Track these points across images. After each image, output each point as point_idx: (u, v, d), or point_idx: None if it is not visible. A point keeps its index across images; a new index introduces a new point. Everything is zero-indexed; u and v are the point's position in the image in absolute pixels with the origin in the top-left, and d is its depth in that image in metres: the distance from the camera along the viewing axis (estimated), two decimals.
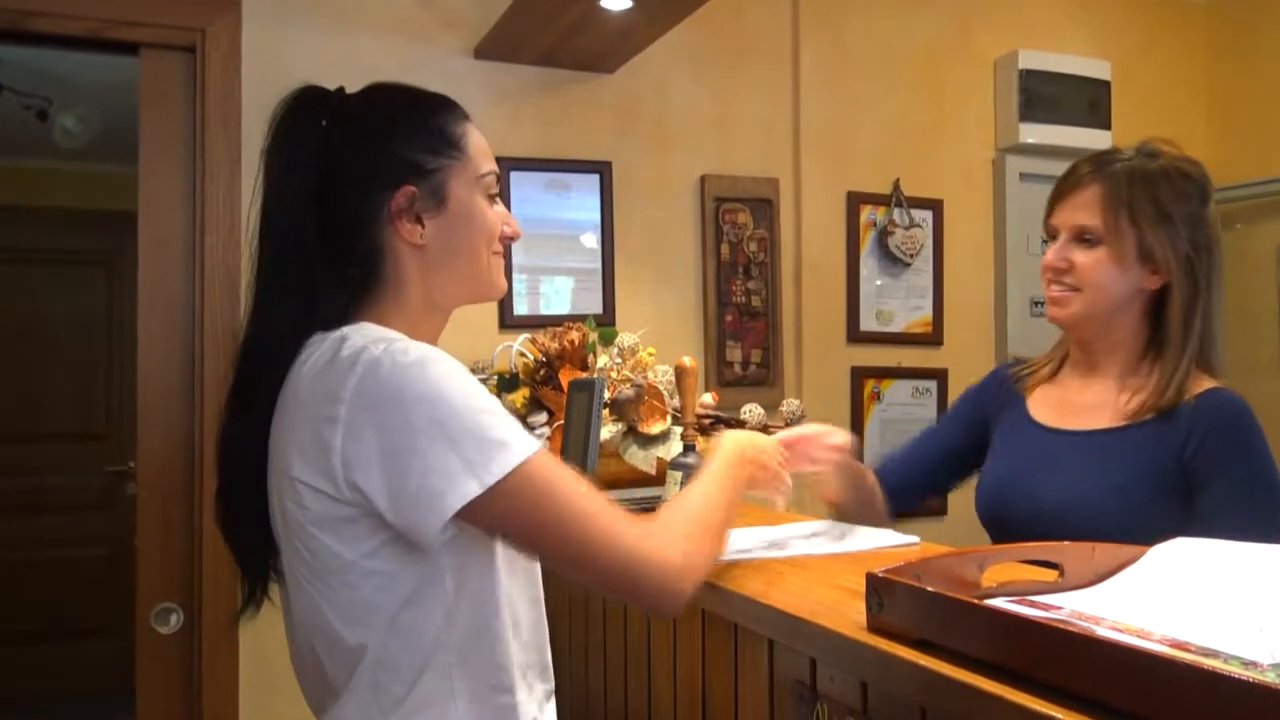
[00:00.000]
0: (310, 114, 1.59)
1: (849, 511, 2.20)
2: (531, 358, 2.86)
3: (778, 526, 2.17)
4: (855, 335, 3.90)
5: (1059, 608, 1.22)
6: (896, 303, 3.97)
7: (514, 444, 1.38)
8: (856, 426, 3.87)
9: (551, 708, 1.65)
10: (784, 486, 1.86)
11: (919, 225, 3.97)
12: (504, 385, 2.83)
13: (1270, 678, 0.90)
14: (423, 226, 1.57)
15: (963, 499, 2.39)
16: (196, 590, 3.02)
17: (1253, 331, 4.29)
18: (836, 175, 3.87)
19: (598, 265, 3.54)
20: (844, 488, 2.18)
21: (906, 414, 3.95)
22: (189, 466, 3.04)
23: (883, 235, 3.92)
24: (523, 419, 2.76)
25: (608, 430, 2.66)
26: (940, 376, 3.99)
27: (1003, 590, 1.32)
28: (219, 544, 2.90)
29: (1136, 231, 2.00)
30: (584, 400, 2.57)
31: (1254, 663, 0.98)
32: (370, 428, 1.37)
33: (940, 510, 3.72)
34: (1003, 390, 2.30)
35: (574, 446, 2.59)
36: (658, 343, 2.94)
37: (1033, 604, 1.24)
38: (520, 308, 3.42)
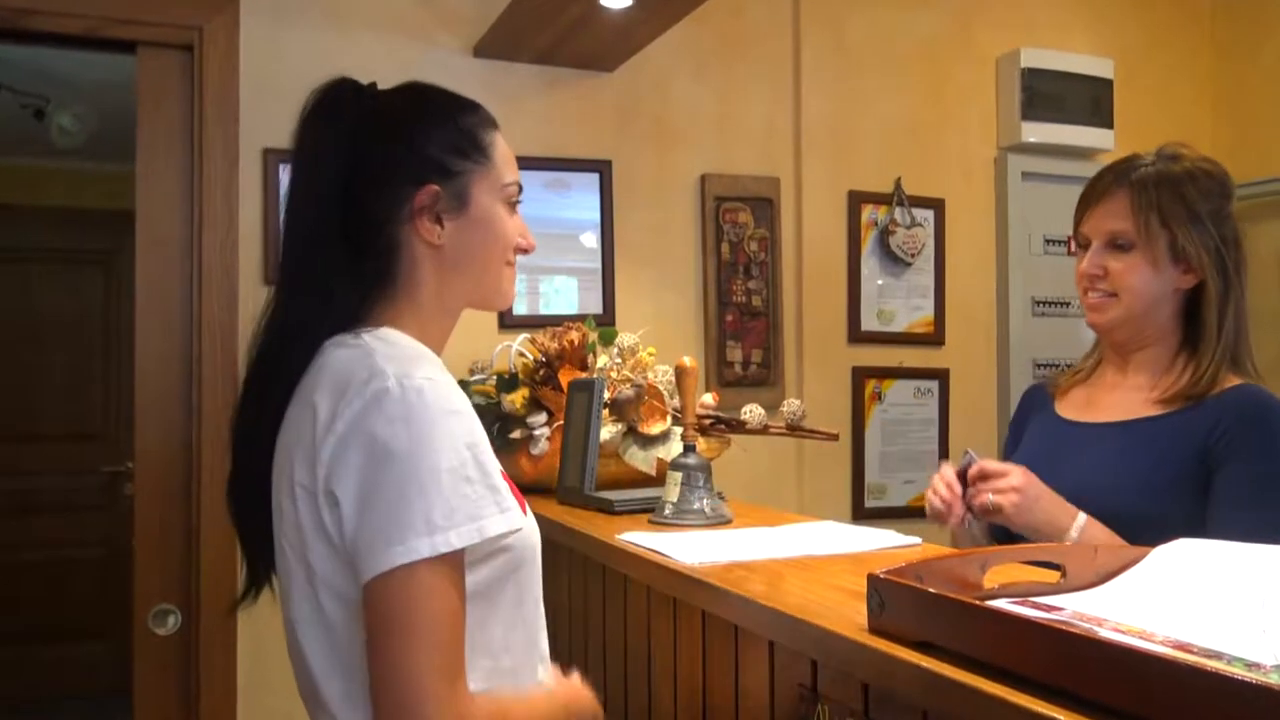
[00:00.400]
0: (341, 106, 1.60)
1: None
2: (531, 358, 2.86)
3: (778, 527, 2.16)
4: (856, 335, 3.89)
5: (1061, 609, 1.22)
6: (898, 302, 3.95)
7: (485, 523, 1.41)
8: (857, 427, 3.86)
9: None
10: None
11: (920, 224, 3.96)
12: (503, 385, 2.83)
13: (1273, 679, 0.89)
14: (441, 227, 1.59)
15: None
16: (194, 591, 3.02)
17: (1256, 332, 4.25)
18: (837, 174, 3.86)
19: (597, 265, 3.53)
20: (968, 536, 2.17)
21: (908, 414, 3.94)
22: (186, 467, 3.04)
23: (884, 234, 3.91)
24: (522, 419, 2.75)
25: (607, 430, 2.66)
26: (942, 377, 3.98)
27: (1004, 591, 1.31)
28: (217, 545, 2.98)
29: (1168, 232, 2.03)
30: (584, 400, 2.57)
31: (1257, 664, 0.97)
32: (359, 454, 1.39)
33: None
34: (1036, 398, 2.35)
35: (574, 447, 2.59)
36: (658, 343, 2.94)
37: (1035, 605, 1.24)
38: (520, 307, 3.42)
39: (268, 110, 3.11)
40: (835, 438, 2.63)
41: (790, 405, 2.63)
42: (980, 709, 1.06)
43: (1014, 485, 1.96)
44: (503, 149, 1.66)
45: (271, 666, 2.94)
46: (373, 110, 1.61)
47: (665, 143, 3.65)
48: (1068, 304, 4.14)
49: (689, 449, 2.30)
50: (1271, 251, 4.28)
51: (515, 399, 2.77)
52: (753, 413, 2.64)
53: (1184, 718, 0.89)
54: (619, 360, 2.82)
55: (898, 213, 3.93)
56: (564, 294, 3.50)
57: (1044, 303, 4.15)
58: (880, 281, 3.94)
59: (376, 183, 1.56)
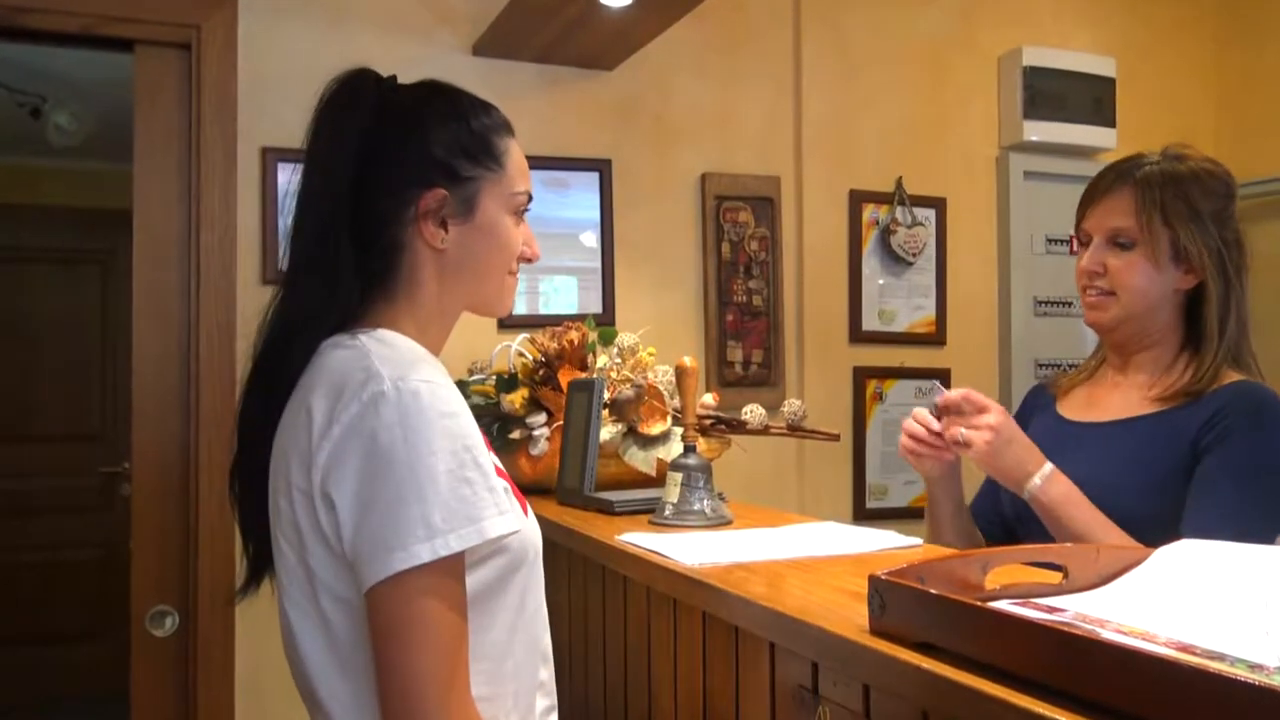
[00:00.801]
0: (359, 97, 1.60)
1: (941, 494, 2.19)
2: (530, 358, 2.86)
3: (779, 528, 2.15)
4: (857, 335, 3.88)
5: (1063, 610, 1.21)
6: (899, 302, 3.95)
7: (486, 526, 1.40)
8: (858, 427, 3.85)
9: None
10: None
11: (922, 224, 3.96)
12: (502, 385, 2.82)
13: (1277, 681, 0.88)
14: (446, 231, 1.58)
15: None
16: (192, 593, 3.01)
17: (1259, 332, 4.24)
18: (838, 173, 3.86)
19: (597, 264, 3.53)
20: (945, 487, 2.18)
21: (909, 415, 3.92)
22: (184, 468, 3.03)
23: (885, 234, 3.90)
24: (522, 420, 2.74)
25: (607, 431, 2.65)
26: (943, 377, 3.96)
27: (1006, 592, 1.31)
28: (215, 546, 2.97)
29: (1170, 231, 2.03)
30: (583, 401, 2.56)
31: (1260, 665, 0.96)
32: (356, 457, 1.39)
33: None
34: (1039, 399, 2.35)
35: (573, 447, 2.58)
36: (658, 343, 2.94)
37: (1037, 606, 1.23)
38: (519, 307, 3.40)
39: (266, 109, 3.11)
40: (836, 438, 2.62)
41: (791, 405, 2.62)
42: (982, 711, 1.05)
43: (990, 424, 1.95)
44: (516, 156, 1.66)
45: (270, 668, 2.93)
46: (389, 106, 1.60)
47: (665, 141, 3.64)
48: (1070, 304, 4.13)
49: (689, 449, 2.29)
50: (1275, 251, 4.27)
51: (514, 399, 2.77)
52: (753, 413, 2.63)
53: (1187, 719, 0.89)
54: (619, 360, 2.81)
55: (899, 212, 3.92)
56: (563, 293, 3.49)
57: (1046, 302, 4.14)
58: (881, 281, 3.93)
59: (385, 181, 1.56)
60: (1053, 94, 4.05)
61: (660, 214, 3.64)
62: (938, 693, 1.12)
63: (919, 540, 1.97)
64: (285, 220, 3.06)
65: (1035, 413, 2.31)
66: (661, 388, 2.74)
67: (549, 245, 3.38)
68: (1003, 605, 1.20)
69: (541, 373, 2.81)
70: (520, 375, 2.84)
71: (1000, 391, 4.05)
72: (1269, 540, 1.80)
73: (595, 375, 2.73)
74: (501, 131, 1.65)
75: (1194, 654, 1.00)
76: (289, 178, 3.05)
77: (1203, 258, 2.03)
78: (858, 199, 3.89)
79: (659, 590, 1.92)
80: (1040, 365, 4.09)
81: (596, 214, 3.53)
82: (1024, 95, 4.03)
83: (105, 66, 3.81)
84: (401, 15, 3.31)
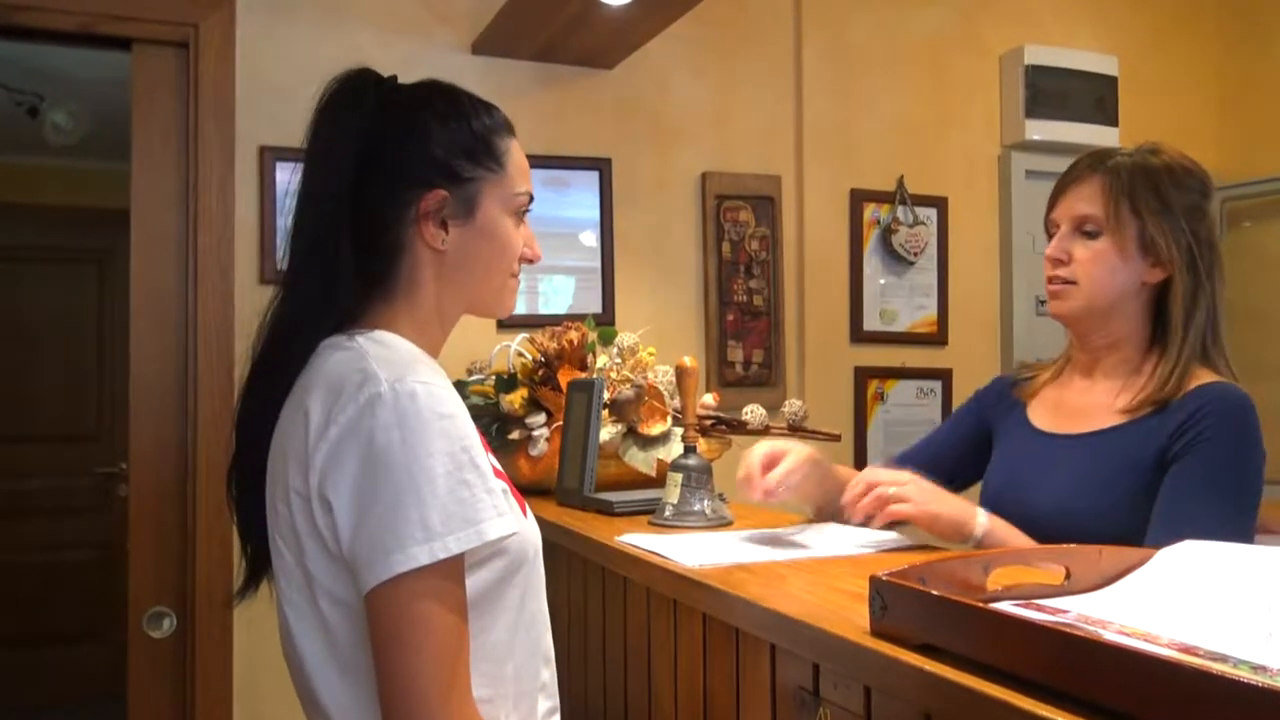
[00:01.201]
0: (360, 97, 1.59)
1: (826, 514, 2.19)
2: (530, 358, 2.85)
3: (779, 529, 2.14)
4: (859, 335, 3.88)
5: (1065, 611, 1.21)
6: (900, 302, 3.94)
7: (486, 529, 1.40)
8: (860, 428, 3.85)
9: None
10: None
11: (923, 223, 3.95)
12: (502, 386, 2.82)
13: None
14: (446, 233, 1.58)
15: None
16: (189, 594, 3.01)
17: (1262, 332, 4.25)
18: (839, 172, 3.86)
19: (597, 264, 3.53)
20: (815, 495, 2.19)
21: (911, 415, 3.92)
22: (181, 468, 3.03)
23: (886, 233, 3.90)
24: (521, 420, 2.74)
25: (607, 431, 2.65)
26: (945, 377, 3.96)
27: (1008, 594, 1.30)
28: (212, 547, 2.97)
29: (1138, 221, 1.98)
30: (583, 401, 2.56)
31: (1263, 667, 0.96)
32: (353, 459, 1.38)
33: None
34: (1005, 398, 2.28)
35: (573, 448, 2.58)
36: (658, 342, 2.93)
37: (1039, 608, 1.23)
38: (518, 307, 3.37)
39: (264, 108, 3.11)
40: (837, 438, 2.60)
41: (792, 406, 2.61)
42: (983, 712, 1.05)
43: (902, 481, 1.94)
44: (517, 157, 1.65)
45: (268, 669, 2.92)
46: (390, 105, 1.60)
47: (665, 140, 3.64)
48: None
49: (689, 450, 2.28)
50: (1277, 250, 4.27)
51: (514, 399, 2.76)
52: (754, 413, 2.62)
53: None
54: (619, 360, 2.81)
55: (900, 211, 3.91)
56: (563, 293, 3.49)
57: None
58: (883, 281, 3.92)
59: (385, 181, 1.55)
60: (1055, 93, 4.05)
61: (660, 213, 3.64)
62: (939, 694, 1.12)
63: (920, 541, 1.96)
64: (284, 220, 3.07)
65: (1006, 417, 2.25)
66: (661, 388, 2.73)
67: (548, 245, 3.35)
68: (1005, 606, 1.20)
69: (541, 373, 2.81)
70: (520, 375, 2.84)
71: None
72: None
73: (595, 375, 2.73)
74: (502, 132, 1.64)
75: (1197, 656, 1.00)
76: (287, 177, 3.06)
77: (1170, 251, 1.98)
78: (859, 198, 3.88)
79: (659, 591, 1.92)
80: None
81: (596, 213, 3.53)
82: (1026, 94, 4.02)
83: (103, 65, 3.82)
84: (400, 13, 3.30)
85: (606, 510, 2.42)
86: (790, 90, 3.82)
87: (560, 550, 2.36)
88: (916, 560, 1.31)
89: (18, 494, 6.14)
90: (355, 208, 1.54)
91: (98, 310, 6.34)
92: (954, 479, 2.34)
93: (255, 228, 3.11)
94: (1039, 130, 4.03)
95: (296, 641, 1.49)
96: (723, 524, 2.22)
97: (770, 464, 2.05)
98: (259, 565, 1.64)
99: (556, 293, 3.47)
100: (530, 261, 1.69)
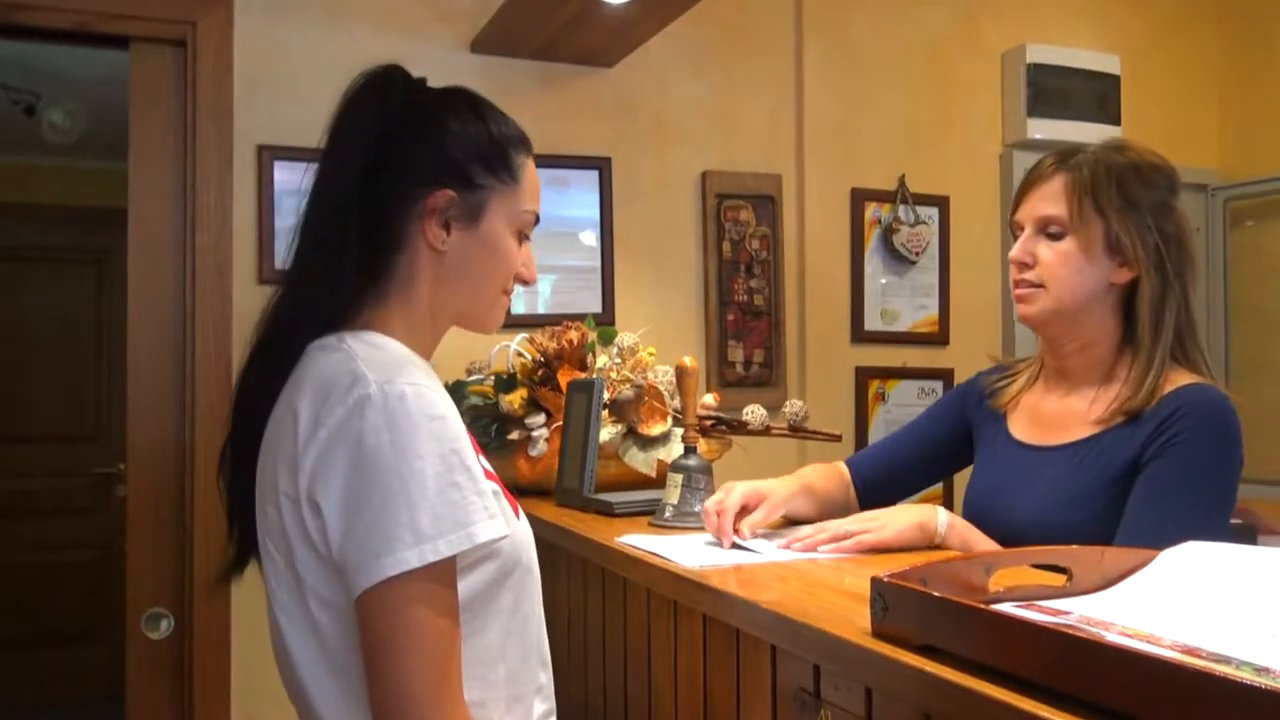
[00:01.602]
0: (385, 92, 1.60)
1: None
2: (529, 358, 2.85)
3: (780, 530, 2.13)
4: (860, 335, 3.87)
5: (1067, 613, 1.21)
6: (902, 301, 3.94)
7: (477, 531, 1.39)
8: (861, 428, 3.84)
9: None
10: None
11: (925, 222, 3.95)
12: (501, 386, 2.81)
13: None
14: (449, 234, 1.58)
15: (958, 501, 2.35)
16: (187, 595, 3.01)
17: (1264, 331, 4.25)
18: (840, 171, 3.85)
19: (597, 263, 3.53)
20: (813, 516, 2.16)
21: (912, 415, 3.85)
22: (180, 468, 3.03)
23: (887, 233, 3.90)
24: (520, 420, 2.73)
25: (607, 432, 2.65)
26: (946, 377, 3.96)
27: (1010, 595, 1.31)
28: (210, 548, 2.96)
29: (1103, 220, 1.95)
30: (583, 401, 2.55)
31: (1266, 668, 0.96)
32: (342, 462, 1.38)
33: None
34: (983, 401, 2.25)
35: (573, 448, 2.57)
36: (658, 342, 2.93)
37: (1041, 609, 1.23)
38: (518, 306, 3.39)
39: (262, 107, 3.11)
40: (838, 439, 2.61)
41: (792, 406, 2.61)
42: (985, 714, 1.05)
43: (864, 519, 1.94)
44: (531, 175, 1.67)
45: (265, 671, 2.89)
46: (414, 103, 1.61)
47: (665, 139, 3.64)
48: None
49: (690, 450, 2.28)
50: (1279, 249, 4.26)
51: (513, 399, 2.76)
52: (754, 413, 2.62)
53: None
54: (618, 360, 2.80)
55: (901, 210, 3.91)
56: (563, 293, 3.47)
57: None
58: (884, 280, 3.92)
59: (397, 174, 1.56)
60: (1057, 91, 4.04)
61: (660, 212, 3.63)
62: (941, 696, 1.12)
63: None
64: (281, 219, 3.08)
65: (984, 422, 2.22)
66: (662, 388, 2.73)
67: (548, 244, 3.39)
68: (1006, 608, 1.20)
69: (540, 373, 2.80)
70: (519, 375, 2.83)
71: None
72: None
73: (595, 375, 2.72)
74: (521, 148, 1.65)
75: (1199, 657, 1.00)
76: (286, 176, 3.08)
77: (1137, 250, 1.94)
78: (860, 197, 3.88)
79: (659, 592, 1.92)
80: None
81: (596, 212, 3.52)
82: (1028, 93, 4.02)
83: (100, 64, 3.82)
84: (399, 12, 3.30)
85: (606, 511, 2.41)
86: (791, 88, 3.81)
87: (560, 551, 2.36)
88: (918, 561, 1.30)
89: (16, 494, 6.13)
90: (364, 199, 1.54)
91: (95, 310, 6.33)
92: (929, 475, 2.34)
93: (253, 227, 3.10)
94: (1041, 129, 4.02)
95: (288, 644, 1.49)
96: None
97: (745, 511, 2.02)
98: (245, 545, 1.63)
99: (556, 292, 3.47)
100: (525, 283, 1.70)
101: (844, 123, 3.87)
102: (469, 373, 2.96)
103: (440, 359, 1.63)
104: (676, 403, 2.69)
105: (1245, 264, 4.34)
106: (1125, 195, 1.95)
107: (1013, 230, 2.09)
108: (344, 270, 1.53)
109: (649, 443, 2.69)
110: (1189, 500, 1.84)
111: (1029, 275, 2.02)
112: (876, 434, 3.85)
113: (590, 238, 3.52)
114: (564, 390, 2.69)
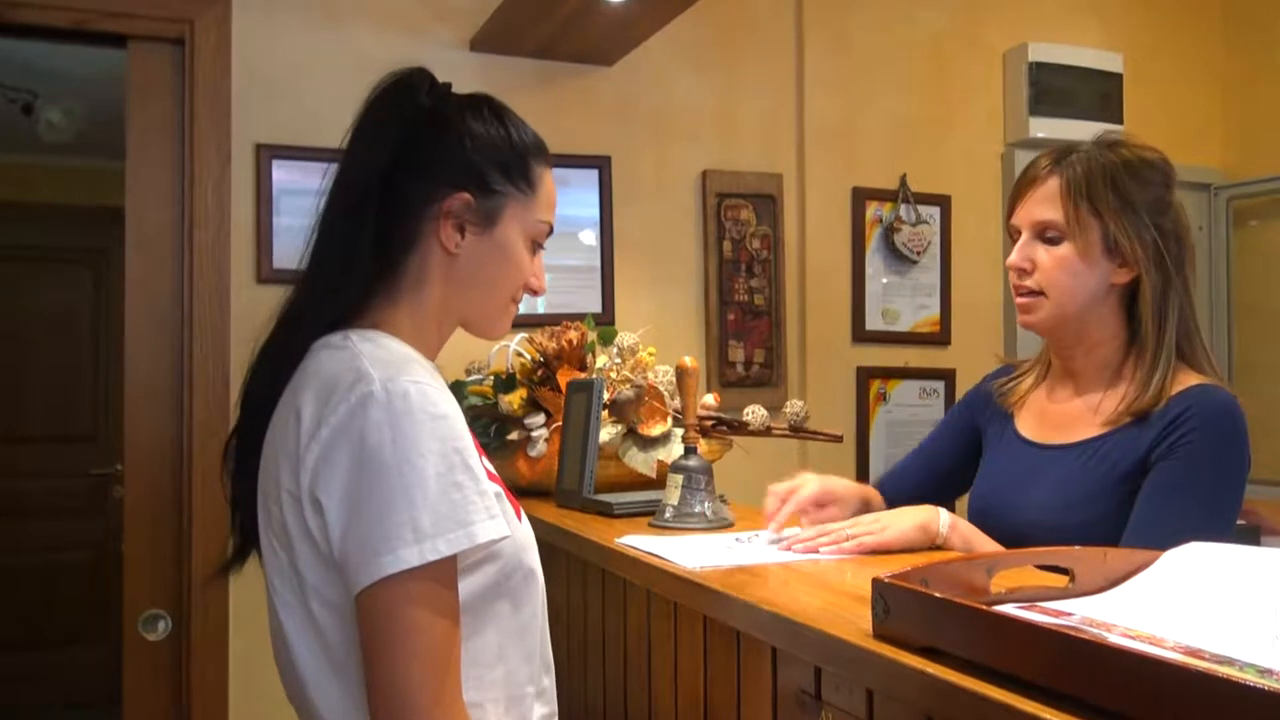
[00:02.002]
0: (410, 93, 1.60)
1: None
2: (529, 358, 2.84)
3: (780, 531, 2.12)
4: (861, 335, 3.87)
5: (1070, 614, 1.21)
6: (903, 301, 3.93)
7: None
8: (862, 428, 3.84)
9: None
10: None
11: (926, 222, 3.94)
12: (500, 386, 2.81)
13: None
14: (462, 237, 1.58)
15: (960, 503, 2.34)
16: (185, 596, 3.01)
17: (1267, 330, 4.24)
18: (841, 171, 3.85)
19: (596, 263, 3.52)
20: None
21: (913, 415, 3.91)
22: (177, 469, 3.03)
23: (889, 232, 3.89)
24: (520, 421, 2.73)
25: (607, 432, 2.64)
26: (948, 377, 3.95)
27: (1012, 596, 1.30)
28: (208, 549, 2.95)
29: (1100, 222, 1.94)
30: (582, 401, 2.55)
31: (1269, 670, 0.96)
32: (344, 459, 1.38)
33: None
34: (992, 404, 2.25)
35: (572, 449, 2.57)
36: (658, 342, 2.92)
37: (1043, 610, 1.23)
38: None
39: (260, 105, 3.11)
40: (839, 439, 2.60)
41: (793, 406, 2.60)
42: (987, 716, 1.05)
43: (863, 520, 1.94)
44: (548, 186, 1.67)
45: (264, 672, 2.89)
46: (438, 106, 1.61)
47: (665, 138, 3.63)
48: None
49: (690, 451, 2.27)
50: None
51: (513, 400, 2.75)
52: (755, 414, 2.61)
53: None
54: (618, 360, 2.80)
55: (903, 210, 3.90)
56: (562, 292, 3.46)
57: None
58: (885, 280, 3.91)
59: (416, 173, 1.56)
60: (1059, 90, 4.04)
61: (660, 211, 3.63)
62: (942, 697, 1.11)
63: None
64: (280, 218, 3.08)
65: (992, 422, 2.23)
66: (662, 388, 2.72)
67: (548, 243, 3.36)
68: (1008, 609, 1.20)
69: (540, 373, 2.80)
70: (518, 375, 2.83)
71: None
72: None
73: (594, 375, 2.72)
74: (540, 158, 1.66)
75: (1202, 659, 1.00)
76: (284, 175, 3.07)
77: (1136, 250, 1.93)
78: (861, 196, 3.87)
79: (659, 594, 1.91)
80: None
81: (596, 211, 3.52)
82: (1030, 91, 4.01)
83: (98, 62, 3.82)
84: (398, 10, 3.30)
85: (606, 512, 2.41)
86: (792, 87, 3.81)
87: (559, 552, 2.35)
88: (919, 562, 1.30)
89: (11, 495, 6.12)
90: (382, 199, 1.55)
91: (92, 310, 6.33)
92: (950, 488, 2.33)
93: (251, 226, 3.10)
94: (1043, 128, 4.01)
95: (289, 642, 1.49)
96: (723, 525, 2.21)
97: (819, 504, 2.06)
98: (246, 541, 1.63)
99: (555, 292, 3.46)
100: (534, 293, 1.70)
101: (845, 121, 3.86)
102: (468, 373, 2.96)
103: (440, 359, 1.63)
104: (677, 403, 2.68)
105: (1248, 263, 4.33)
106: (1121, 195, 1.94)
107: (1009, 234, 2.08)
108: (357, 268, 1.53)
109: (649, 443, 2.68)
110: (1196, 502, 1.84)
111: (1029, 282, 2.01)
112: (877, 435, 3.85)
113: (590, 237, 3.52)
114: (564, 390, 2.69)
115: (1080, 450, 1.99)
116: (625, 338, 2.82)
